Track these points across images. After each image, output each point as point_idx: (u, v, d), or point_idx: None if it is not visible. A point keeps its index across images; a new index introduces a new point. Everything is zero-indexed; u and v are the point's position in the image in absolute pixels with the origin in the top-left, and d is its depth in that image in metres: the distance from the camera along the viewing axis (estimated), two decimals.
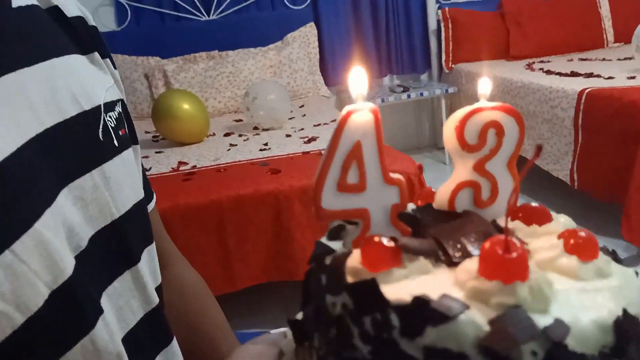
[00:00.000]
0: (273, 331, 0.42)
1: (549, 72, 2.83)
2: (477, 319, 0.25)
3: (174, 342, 0.59)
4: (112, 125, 0.53)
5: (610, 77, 2.50)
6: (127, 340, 0.49)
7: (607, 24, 3.49)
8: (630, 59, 2.80)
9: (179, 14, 3.33)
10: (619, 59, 2.96)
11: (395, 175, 0.32)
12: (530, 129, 2.70)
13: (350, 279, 0.28)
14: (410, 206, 0.36)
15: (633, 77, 2.45)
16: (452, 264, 0.29)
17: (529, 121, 2.68)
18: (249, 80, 3.18)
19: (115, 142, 0.53)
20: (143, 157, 0.95)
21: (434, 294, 0.26)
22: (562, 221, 0.33)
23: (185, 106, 2.43)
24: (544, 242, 0.31)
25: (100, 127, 0.51)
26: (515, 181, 0.35)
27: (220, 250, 1.85)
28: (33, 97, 0.44)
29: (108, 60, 0.58)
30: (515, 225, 0.33)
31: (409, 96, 3.35)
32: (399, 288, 0.27)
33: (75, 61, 0.51)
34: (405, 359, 0.25)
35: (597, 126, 2.29)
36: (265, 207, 1.84)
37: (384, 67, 3.69)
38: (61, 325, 0.41)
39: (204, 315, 0.70)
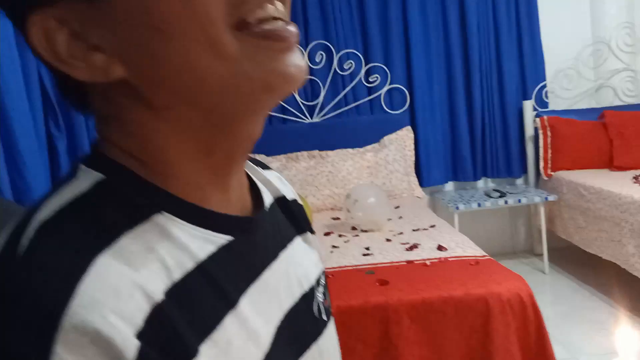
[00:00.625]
0: None
1: None
2: None
3: None
4: (321, 299, 0.57)
5: None
6: None
7: None
8: None
9: (285, 117, 3.55)
10: None
11: None
12: None
13: None
14: None
15: None
16: None
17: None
18: (347, 179, 3.29)
19: (324, 315, 0.57)
20: None
21: None
22: None
23: None
24: None
25: (315, 303, 0.56)
26: None
27: None
28: (278, 285, 0.49)
29: (312, 235, 0.64)
30: None
31: (506, 202, 3.32)
32: None
33: (297, 245, 0.57)
34: None
35: None
36: (374, 320, 1.84)
37: (479, 170, 3.70)
38: None
39: None
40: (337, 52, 3.52)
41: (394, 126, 3.58)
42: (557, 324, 2.68)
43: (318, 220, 2.95)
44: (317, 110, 3.57)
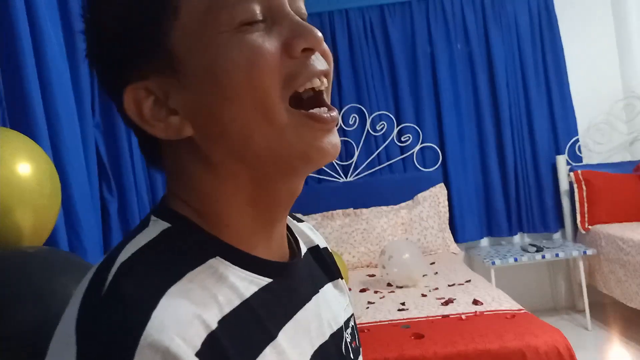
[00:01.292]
0: None
1: None
2: None
3: None
4: (349, 340, 0.65)
5: None
6: None
7: None
8: None
9: (321, 176, 3.68)
10: None
11: None
12: None
13: None
14: None
15: None
16: None
17: None
18: (381, 236, 3.35)
19: (352, 355, 0.64)
20: None
21: None
22: None
23: None
24: None
25: (343, 343, 0.63)
26: None
27: None
28: (310, 324, 0.57)
29: (342, 281, 0.72)
30: None
31: (543, 257, 3.30)
32: None
33: (328, 290, 0.66)
34: None
35: None
36: None
37: (514, 225, 3.71)
38: None
39: None
40: (370, 114, 3.67)
41: (427, 183, 3.65)
42: None
43: (354, 278, 3.00)
44: (351, 169, 3.69)
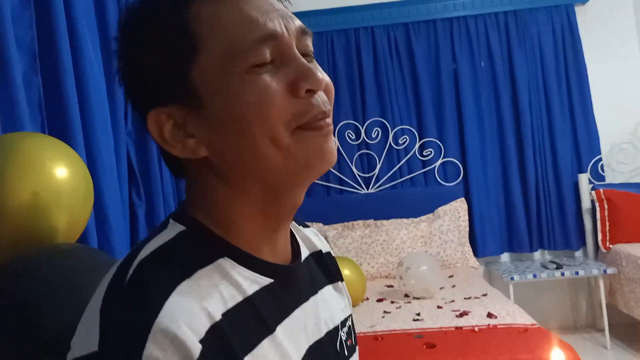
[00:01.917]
0: None
1: None
2: None
3: None
4: (344, 338, 0.71)
5: None
6: None
7: None
8: None
9: (343, 188, 3.76)
10: None
11: None
12: None
13: None
14: None
15: None
16: None
17: None
18: (400, 248, 3.39)
19: (346, 352, 0.71)
20: None
21: None
22: None
23: (346, 272, 2.67)
24: None
25: (338, 341, 0.70)
26: None
27: None
28: (307, 322, 0.64)
29: (341, 283, 0.79)
30: None
31: (563, 274, 3.30)
32: None
33: (326, 291, 0.73)
34: None
35: None
36: None
37: (535, 241, 3.71)
38: None
39: None
40: (393, 128, 3.73)
41: (447, 197, 3.69)
42: None
43: (372, 288, 3.06)
44: (372, 181, 3.75)
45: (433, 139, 3.73)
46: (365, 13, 3.71)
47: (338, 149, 3.71)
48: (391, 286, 3.09)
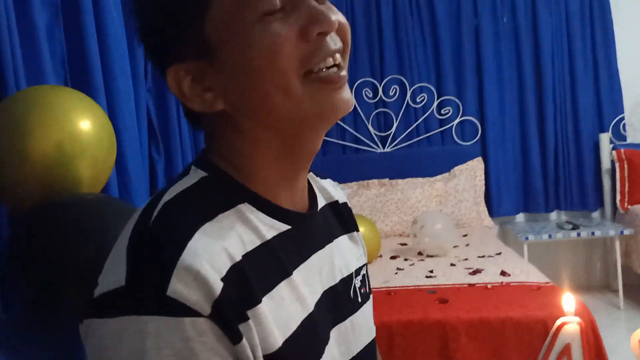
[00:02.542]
0: None
1: None
2: None
3: None
4: (358, 285, 0.74)
5: None
6: None
7: None
8: None
9: (359, 147, 3.76)
10: None
11: None
12: None
13: None
14: None
15: None
16: None
17: None
18: (415, 207, 3.41)
19: (359, 298, 0.73)
20: None
21: None
22: None
23: (362, 229, 2.69)
24: None
25: (352, 288, 0.72)
26: None
27: None
28: (322, 268, 0.67)
29: (357, 233, 0.81)
30: None
31: (579, 234, 3.30)
32: None
33: (342, 240, 0.75)
34: None
35: None
36: (433, 336, 1.95)
37: (552, 202, 3.70)
38: None
39: None
40: (411, 86, 3.70)
41: (464, 157, 3.68)
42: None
43: (386, 246, 3.09)
44: (389, 140, 3.75)
45: (452, 97, 3.70)
46: None
47: (355, 107, 3.69)
48: (405, 244, 3.13)
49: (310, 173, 0.74)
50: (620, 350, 2.39)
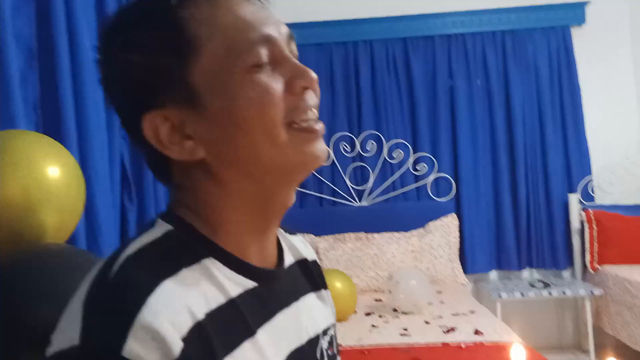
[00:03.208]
0: None
1: None
2: None
3: None
4: (325, 347, 0.71)
5: None
6: None
7: None
8: None
9: (336, 199, 3.76)
10: None
11: None
12: None
13: None
14: None
15: None
16: None
17: None
18: (391, 262, 3.39)
19: (326, 359, 0.71)
20: None
21: None
22: None
23: (338, 285, 2.66)
24: None
25: (318, 349, 0.70)
26: None
27: None
28: (288, 327, 0.65)
29: (325, 292, 0.79)
30: None
31: (550, 293, 3.31)
32: None
33: (309, 299, 0.73)
34: None
35: None
36: None
37: (524, 260, 3.72)
38: None
39: None
40: (387, 141, 3.75)
41: (439, 213, 3.70)
42: None
43: (360, 302, 3.04)
44: (365, 194, 3.76)
45: (427, 154, 3.75)
46: (364, 26, 3.74)
47: (333, 160, 3.72)
48: (380, 300, 3.09)
49: (279, 229, 0.73)
50: None
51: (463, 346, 2.21)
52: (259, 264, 0.63)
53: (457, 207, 3.74)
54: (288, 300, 0.67)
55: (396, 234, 3.59)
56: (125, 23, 0.59)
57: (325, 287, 0.79)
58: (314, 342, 0.69)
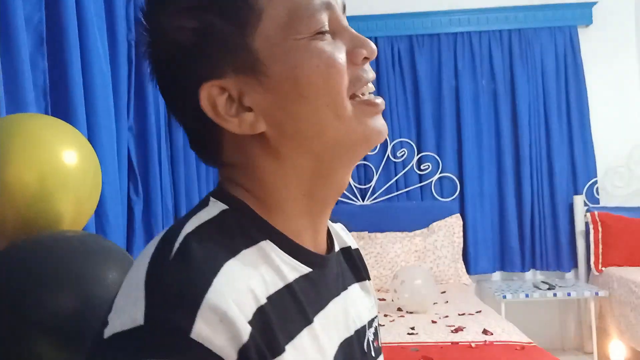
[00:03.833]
0: None
1: None
2: None
3: None
4: (371, 338, 0.68)
5: None
6: None
7: None
8: None
9: (339, 198, 3.71)
10: None
11: None
12: None
13: None
14: None
15: None
16: None
17: None
18: (394, 262, 3.36)
19: (373, 352, 0.67)
20: None
21: None
22: None
23: None
24: None
25: (365, 341, 0.66)
26: None
27: None
28: (338, 317, 0.61)
29: (369, 282, 0.75)
30: None
31: (555, 294, 3.29)
32: None
33: (354, 290, 0.69)
34: None
35: None
36: None
37: (528, 261, 3.70)
38: None
39: None
40: (392, 141, 3.72)
41: (443, 213, 3.67)
42: None
43: None
44: (369, 193, 3.72)
45: (431, 154, 3.72)
46: (370, 23, 3.71)
47: None
48: (383, 299, 3.05)
49: None
50: None
51: (473, 345, 2.18)
52: (312, 248, 0.60)
53: (461, 208, 3.71)
54: (337, 288, 0.63)
55: (399, 234, 3.56)
56: None
57: (368, 277, 0.76)
58: (361, 333, 0.65)
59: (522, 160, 3.67)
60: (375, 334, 0.70)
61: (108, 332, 0.45)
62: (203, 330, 0.43)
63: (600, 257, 3.49)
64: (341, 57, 0.55)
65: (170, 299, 0.45)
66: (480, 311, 2.73)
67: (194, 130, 0.59)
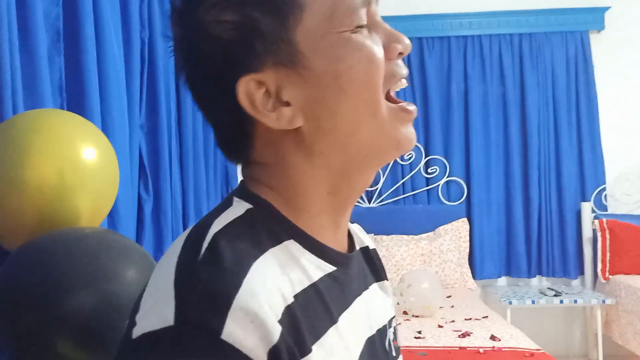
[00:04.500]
0: None
1: None
2: None
3: None
4: (392, 338, 0.68)
5: None
6: None
7: None
8: None
9: None
10: None
11: None
12: None
13: None
14: None
15: None
16: None
17: None
18: (400, 265, 3.35)
19: (393, 352, 0.67)
20: None
21: None
22: None
23: None
24: None
25: (387, 340, 0.66)
26: None
27: None
28: (361, 316, 0.61)
29: (387, 282, 0.75)
30: None
31: (561, 301, 3.27)
32: None
33: (374, 290, 0.68)
34: None
35: None
36: None
37: (534, 267, 3.69)
38: None
39: None
40: None
41: (449, 217, 3.66)
42: None
43: None
44: (375, 196, 3.71)
45: (439, 157, 3.71)
46: None
47: None
48: None
49: None
50: None
51: (481, 351, 2.17)
52: (335, 247, 0.59)
53: (468, 212, 3.70)
54: (360, 287, 0.63)
55: (405, 237, 3.55)
56: None
57: (386, 277, 0.75)
58: (382, 332, 0.65)
59: (530, 165, 3.66)
60: (395, 334, 0.70)
61: (137, 332, 0.44)
62: (234, 331, 0.42)
63: (608, 264, 3.47)
64: (380, 51, 0.54)
65: (200, 299, 0.44)
66: (487, 316, 2.72)
67: (226, 126, 0.58)
